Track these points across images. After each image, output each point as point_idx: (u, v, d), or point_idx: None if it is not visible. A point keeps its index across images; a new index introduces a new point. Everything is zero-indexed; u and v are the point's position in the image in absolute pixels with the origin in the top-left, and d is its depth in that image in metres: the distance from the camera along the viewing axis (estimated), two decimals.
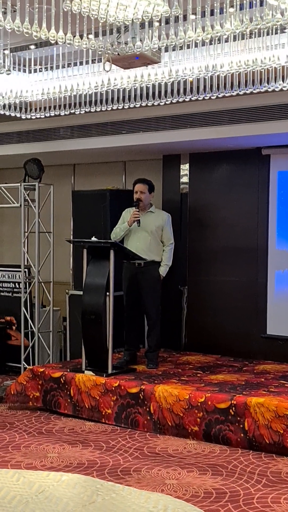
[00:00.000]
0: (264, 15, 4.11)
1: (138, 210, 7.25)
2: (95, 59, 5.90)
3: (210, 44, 5.37)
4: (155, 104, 6.38)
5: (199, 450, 5.69)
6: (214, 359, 7.83)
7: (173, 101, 6.27)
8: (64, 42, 4.48)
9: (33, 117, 7.15)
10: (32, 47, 5.99)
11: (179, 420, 6.03)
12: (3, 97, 6.68)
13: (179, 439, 5.97)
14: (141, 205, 7.29)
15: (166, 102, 6.29)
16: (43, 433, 6.16)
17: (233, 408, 5.76)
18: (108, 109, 6.57)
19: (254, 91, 6.00)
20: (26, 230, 8.33)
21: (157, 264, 7.28)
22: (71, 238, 8.83)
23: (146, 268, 7.20)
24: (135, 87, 6.21)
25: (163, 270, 7.31)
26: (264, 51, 5.26)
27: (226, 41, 5.34)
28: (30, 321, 8.18)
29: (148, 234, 7.27)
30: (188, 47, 5.51)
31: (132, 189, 7.41)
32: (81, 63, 5.99)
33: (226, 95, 6.07)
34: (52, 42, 4.45)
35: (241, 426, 5.70)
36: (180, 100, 6.24)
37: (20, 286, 8.34)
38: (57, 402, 6.82)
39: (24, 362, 8.13)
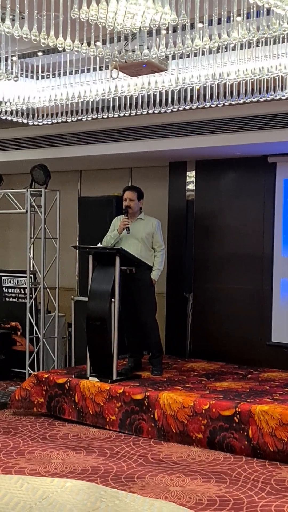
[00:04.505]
0: (271, 24, 4.14)
1: (127, 217, 7.25)
2: (102, 66, 5.92)
3: (217, 52, 5.39)
4: (162, 111, 6.41)
5: (203, 457, 5.68)
6: (219, 366, 7.82)
7: (180, 108, 6.29)
8: (72, 49, 4.50)
9: (40, 123, 7.18)
10: (40, 54, 6.02)
11: (183, 427, 6.03)
12: (10, 103, 6.72)
13: (183, 446, 5.97)
14: (130, 212, 7.29)
15: (173, 110, 6.31)
16: (47, 439, 6.16)
17: (238, 415, 5.75)
18: (115, 116, 6.59)
19: (260, 99, 6.02)
20: (32, 236, 8.35)
21: (148, 270, 7.28)
22: (77, 244, 8.85)
23: (137, 274, 7.19)
24: (142, 94, 6.24)
25: (155, 274, 7.27)
26: (271, 60, 5.28)
27: (233, 49, 5.37)
28: (35, 326, 8.19)
29: (138, 241, 7.25)
30: (195, 55, 5.52)
31: (121, 196, 7.42)
32: (88, 70, 6.01)
33: (233, 103, 6.10)
34: (60, 49, 4.47)
35: (245, 433, 5.69)
36: (187, 107, 6.26)
37: (26, 292, 8.36)
38: (61, 408, 6.82)
39: (28, 368, 8.14)
